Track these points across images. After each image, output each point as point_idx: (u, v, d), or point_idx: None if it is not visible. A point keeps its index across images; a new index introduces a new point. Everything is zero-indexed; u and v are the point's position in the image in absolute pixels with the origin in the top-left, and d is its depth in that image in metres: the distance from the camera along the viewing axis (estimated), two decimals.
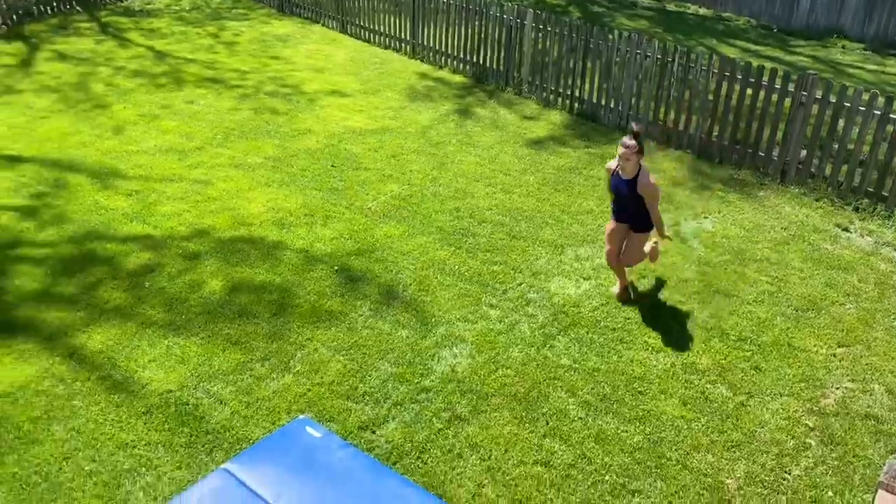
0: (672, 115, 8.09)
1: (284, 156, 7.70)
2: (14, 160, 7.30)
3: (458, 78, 9.87)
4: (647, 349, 5.23)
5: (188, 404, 4.62)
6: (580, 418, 4.65)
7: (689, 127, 8.02)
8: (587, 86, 8.81)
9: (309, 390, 4.76)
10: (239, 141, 7.94)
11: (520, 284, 5.88)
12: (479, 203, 7.01)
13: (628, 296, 5.69)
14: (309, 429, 4.36)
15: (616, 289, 5.74)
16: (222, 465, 4.12)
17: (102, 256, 5.96)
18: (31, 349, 4.99)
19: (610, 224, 5.44)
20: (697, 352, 5.22)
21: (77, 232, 6.25)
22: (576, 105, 8.96)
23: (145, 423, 4.47)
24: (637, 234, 5.36)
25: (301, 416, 4.48)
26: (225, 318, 5.36)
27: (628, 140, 5.01)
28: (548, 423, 4.61)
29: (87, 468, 4.16)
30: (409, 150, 7.97)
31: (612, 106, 8.62)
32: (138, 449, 4.30)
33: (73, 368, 4.85)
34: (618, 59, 8.40)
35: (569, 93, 8.99)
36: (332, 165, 7.57)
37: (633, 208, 5.21)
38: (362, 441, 4.40)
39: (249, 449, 4.26)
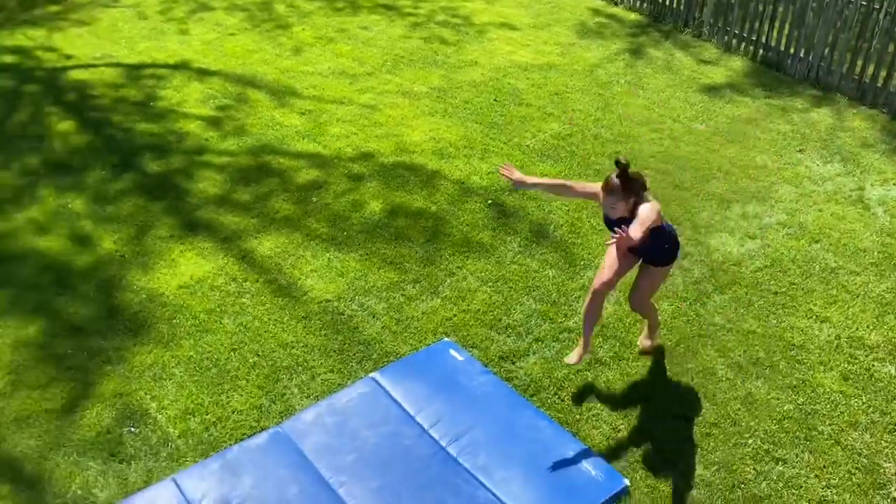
0: (870, 70, 7.34)
1: (449, 87, 7.77)
2: (204, 73, 7.87)
3: (632, 16, 9.44)
4: (811, 317, 4.93)
5: (343, 314, 4.92)
6: (728, 379, 4.50)
7: (888, 84, 7.25)
8: (775, 32, 8.14)
9: (455, 316, 4.92)
10: (406, 69, 8.10)
11: (680, 236, 5.67)
12: (642, 148, 6.78)
13: (654, 349, 4.61)
14: (452, 352, 4.54)
15: (644, 339, 4.59)
16: (370, 374, 4.40)
17: (275, 169, 6.36)
18: (209, 248, 5.47)
19: (613, 250, 4.06)
20: (867, 326, 4.85)
21: (254, 144, 6.69)
22: (760, 52, 8.34)
23: (304, 327, 4.82)
24: (657, 269, 4.23)
25: (445, 339, 4.66)
26: (382, 239, 5.60)
27: (614, 179, 3.79)
28: (693, 380, 4.50)
29: (251, 360, 4.57)
30: (574, 89, 7.79)
31: (801, 55, 7.94)
32: (296, 349, 4.65)
33: (244, 269, 5.28)
34: (814, 5, 7.68)
35: (753, 38, 8.36)
36: (495, 100, 7.56)
37: (641, 242, 3.75)
38: (501, 370, 4.51)
39: (396, 363, 4.51)
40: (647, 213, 3.80)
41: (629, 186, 3.81)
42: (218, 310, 4.93)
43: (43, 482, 3.83)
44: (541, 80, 7.95)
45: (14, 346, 4.59)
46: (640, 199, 3.87)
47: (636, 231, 3.65)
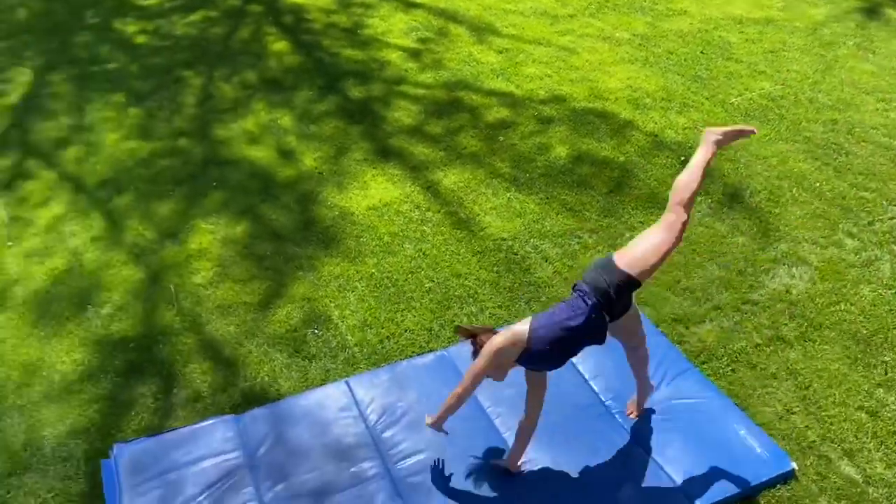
0: None
1: (653, 35, 7.43)
2: (410, 5, 8.08)
3: None
4: None
5: (517, 254, 4.98)
6: None
7: None
8: None
9: None
10: (611, 13, 7.83)
11: (892, 218, 5.16)
12: (864, 118, 6.15)
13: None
14: None
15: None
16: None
17: (467, 105, 6.47)
18: (398, 175, 5.71)
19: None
20: None
21: (450, 79, 6.82)
22: None
23: (478, 261, 4.94)
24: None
25: None
26: (564, 185, 5.56)
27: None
28: (886, 374, 4.14)
29: (426, 285, 4.77)
30: (792, 47, 7.17)
31: None
32: (469, 281, 4.79)
33: (428, 199, 5.47)
34: None
35: None
36: (702, 52, 7.15)
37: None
38: (674, 333, 4.40)
39: None
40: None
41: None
42: (401, 234, 5.17)
43: (237, 365, 4.28)
44: (755, 35, 7.39)
45: (223, 243, 5.11)
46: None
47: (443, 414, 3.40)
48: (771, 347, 4.31)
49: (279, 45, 7.38)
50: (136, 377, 4.17)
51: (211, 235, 5.15)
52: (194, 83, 6.82)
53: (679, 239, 3.23)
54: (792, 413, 3.95)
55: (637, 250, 3.25)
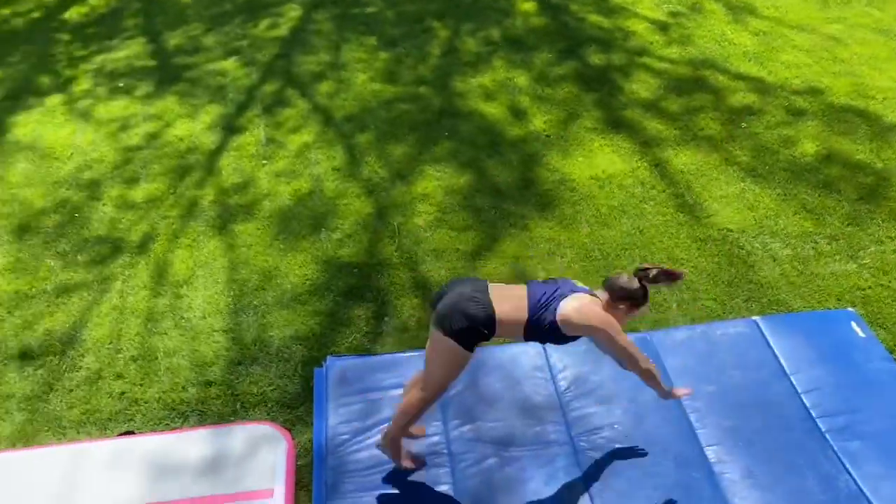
0: None
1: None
2: None
3: None
4: None
5: (743, 249, 4.72)
6: None
7: None
8: None
9: (870, 288, 4.40)
10: (892, 2, 7.00)
11: None
12: None
13: None
14: (854, 325, 4.10)
15: None
16: (755, 317, 4.21)
17: (711, 86, 6.15)
18: (626, 148, 5.60)
19: None
20: None
21: (696, 57, 6.51)
22: None
23: (699, 249, 4.75)
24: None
25: (850, 309, 4.22)
26: (807, 183, 5.15)
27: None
28: None
29: (638, 262, 4.67)
30: None
31: None
32: (686, 267, 4.63)
33: (654, 176, 5.32)
34: None
35: None
36: None
37: None
38: None
39: (786, 315, 4.24)
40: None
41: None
42: (619, 208, 5.09)
43: None
44: None
45: (446, 191, 5.34)
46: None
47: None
48: None
49: (527, 6, 7.44)
50: (354, 300, 4.53)
51: (436, 182, 5.40)
52: (441, 34, 7.10)
53: None
54: None
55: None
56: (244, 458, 3.55)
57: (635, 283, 3.09)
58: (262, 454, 3.56)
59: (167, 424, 3.89)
